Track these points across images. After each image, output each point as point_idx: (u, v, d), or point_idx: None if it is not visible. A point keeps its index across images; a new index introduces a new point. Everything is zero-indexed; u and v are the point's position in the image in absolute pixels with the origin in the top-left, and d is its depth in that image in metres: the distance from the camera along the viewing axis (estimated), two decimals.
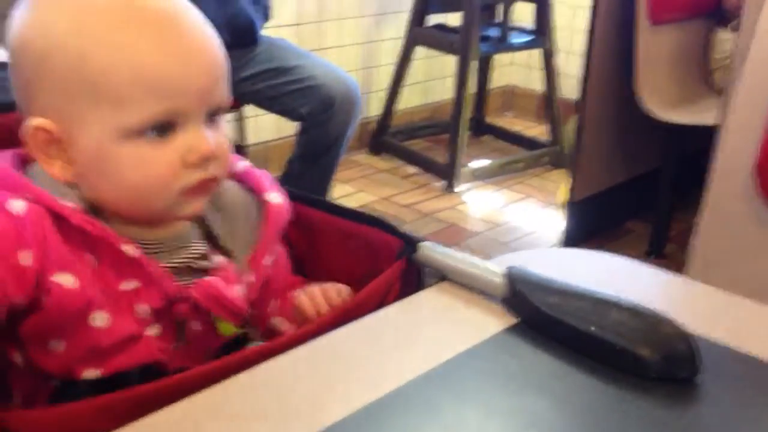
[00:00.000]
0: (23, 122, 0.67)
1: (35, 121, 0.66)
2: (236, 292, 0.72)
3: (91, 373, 0.67)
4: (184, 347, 0.72)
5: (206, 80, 0.66)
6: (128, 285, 0.67)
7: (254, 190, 0.78)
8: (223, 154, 0.69)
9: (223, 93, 0.68)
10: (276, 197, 0.77)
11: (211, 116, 0.68)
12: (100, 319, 0.65)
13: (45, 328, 0.65)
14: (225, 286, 0.71)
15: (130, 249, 0.66)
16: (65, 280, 0.63)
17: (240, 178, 0.79)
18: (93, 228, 0.65)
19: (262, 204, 0.76)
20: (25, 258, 0.61)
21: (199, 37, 0.66)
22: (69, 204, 0.65)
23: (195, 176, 0.67)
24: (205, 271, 0.72)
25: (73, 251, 0.64)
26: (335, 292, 0.77)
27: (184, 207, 0.68)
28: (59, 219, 0.64)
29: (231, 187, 0.77)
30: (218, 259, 0.73)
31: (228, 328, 0.72)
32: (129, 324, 0.67)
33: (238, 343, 0.74)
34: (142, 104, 0.63)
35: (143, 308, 0.68)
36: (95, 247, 0.66)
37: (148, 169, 0.65)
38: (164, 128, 0.64)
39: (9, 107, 0.72)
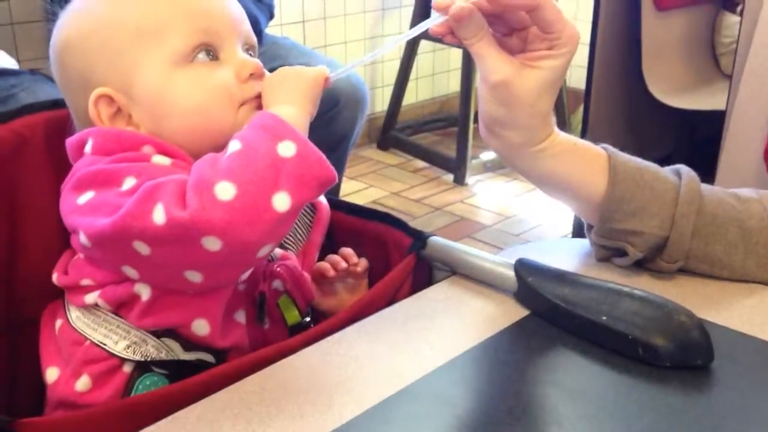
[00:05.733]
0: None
1: (95, 93, 0.68)
2: (308, 277, 0.76)
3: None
4: (261, 335, 0.73)
5: (235, 11, 0.71)
6: None
7: None
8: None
9: (252, 33, 0.72)
10: (323, 198, 0.80)
11: (247, 52, 0.71)
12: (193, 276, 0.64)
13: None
14: (302, 271, 0.75)
15: None
16: None
17: None
18: None
19: (313, 204, 0.80)
20: None
21: None
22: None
23: (253, 88, 0.69)
24: (270, 260, 0.75)
25: None
26: (349, 253, 0.80)
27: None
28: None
29: None
30: (277, 250, 0.77)
31: (293, 316, 0.74)
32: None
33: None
34: (184, 29, 0.67)
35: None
36: None
37: (208, 85, 0.67)
38: (209, 54, 0.68)
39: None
